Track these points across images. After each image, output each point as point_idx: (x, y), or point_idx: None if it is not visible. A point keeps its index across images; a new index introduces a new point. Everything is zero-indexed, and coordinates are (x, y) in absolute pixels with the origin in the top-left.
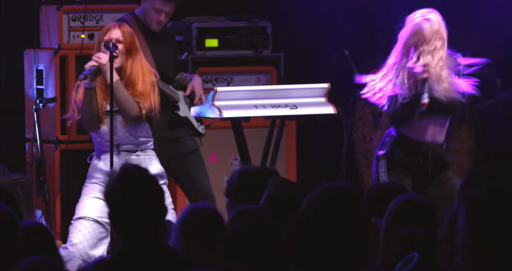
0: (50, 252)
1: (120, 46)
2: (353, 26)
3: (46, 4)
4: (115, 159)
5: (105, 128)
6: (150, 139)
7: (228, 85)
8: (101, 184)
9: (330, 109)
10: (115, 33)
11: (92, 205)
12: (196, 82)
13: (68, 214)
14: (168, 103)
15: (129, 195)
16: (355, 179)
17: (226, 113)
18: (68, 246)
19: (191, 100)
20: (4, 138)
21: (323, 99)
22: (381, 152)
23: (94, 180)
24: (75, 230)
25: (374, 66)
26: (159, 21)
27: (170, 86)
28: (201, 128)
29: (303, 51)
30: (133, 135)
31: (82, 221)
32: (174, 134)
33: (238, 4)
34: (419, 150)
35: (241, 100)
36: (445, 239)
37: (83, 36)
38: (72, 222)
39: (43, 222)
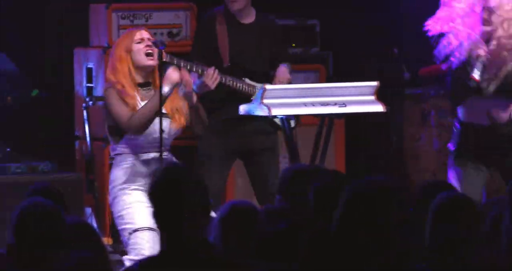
0: (96, 249)
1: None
2: (401, 24)
3: (95, 2)
4: (152, 160)
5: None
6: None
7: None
8: (142, 188)
9: (379, 108)
10: (145, 33)
11: (142, 214)
12: (279, 72)
13: None
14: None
15: (173, 193)
16: (404, 177)
17: (275, 111)
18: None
19: None
20: (54, 136)
21: (372, 98)
22: (450, 145)
23: (134, 186)
24: (142, 242)
25: (422, 64)
26: (232, 1)
27: (246, 80)
28: (292, 122)
29: (352, 49)
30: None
31: (145, 232)
32: (246, 129)
33: (287, 2)
34: (485, 134)
35: (290, 98)
36: (488, 238)
37: None
38: (127, 233)
39: (93, 219)
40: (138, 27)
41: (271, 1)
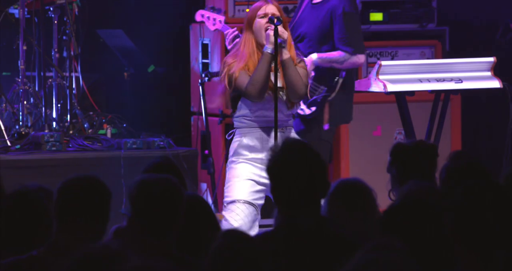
0: (210, 224)
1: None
2: None
3: None
4: (264, 135)
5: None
6: (291, 117)
7: (392, 59)
8: (249, 162)
9: (495, 84)
10: (271, 8)
11: (244, 187)
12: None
13: None
14: None
15: (292, 168)
16: None
17: (391, 87)
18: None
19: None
20: (170, 111)
21: (489, 73)
22: None
23: (241, 159)
24: (233, 214)
25: None
26: None
27: None
28: (307, 112)
29: (469, 25)
30: (283, 113)
31: (238, 204)
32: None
33: None
34: None
35: (406, 74)
36: None
37: (247, 10)
38: (225, 205)
39: (209, 195)
40: (267, 0)
41: None
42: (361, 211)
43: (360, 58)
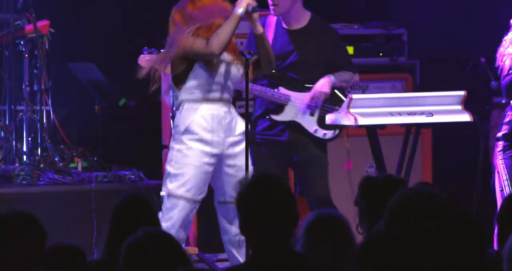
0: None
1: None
2: (489, 33)
3: None
4: (214, 110)
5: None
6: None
7: (363, 92)
8: (200, 144)
9: (466, 117)
10: None
11: (196, 184)
12: (317, 84)
13: (206, 220)
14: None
15: (261, 203)
16: (492, 186)
17: (362, 121)
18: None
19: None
20: (141, 144)
21: (459, 107)
22: (498, 133)
23: (194, 141)
24: (175, 212)
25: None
26: (272, 6)
27: (281, 88)
28: (321, 134)
29: (439, 58)
30: (233, 87)
31: (185, 204)
32: (289, 137)
33: (373, 12)
34: None
35: (377, 108)
36: None
37: None
38: (171, 193)
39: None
40: None
41: (357, 10)
42: (342, 243)
43: (358, 77)
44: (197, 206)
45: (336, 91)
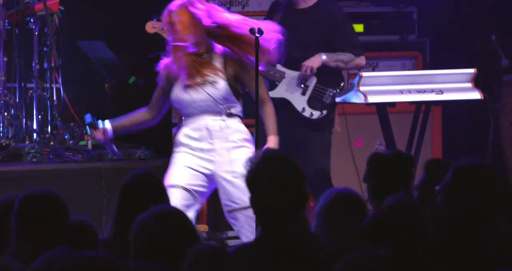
0: (191, 237)
1: None
2: (501, 11)
3: None
4: (202, 124)
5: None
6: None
7: (373, 70)
8: (189, 151)
9: (476, 95)
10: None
11: (179, 173)
12: (309, 59)
13: (217, 198)
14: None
15: (271, 181)
16: (502, 165)
17: (372, 99)
18: None
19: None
20: None
21: (469, 85)
22: None
23: (182, 148)
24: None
25: None
26: None
27: (278, 65)
28: (308, 113)
29: (449, 36)
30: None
31: (172, 189)
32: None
33: None
34: None
35: (387, 86)
36: None
37: None
38: None
39: None
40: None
41: None
42: (358, 221)
43: (363, 60)
44: (189, 194)
45: (278, 66)
